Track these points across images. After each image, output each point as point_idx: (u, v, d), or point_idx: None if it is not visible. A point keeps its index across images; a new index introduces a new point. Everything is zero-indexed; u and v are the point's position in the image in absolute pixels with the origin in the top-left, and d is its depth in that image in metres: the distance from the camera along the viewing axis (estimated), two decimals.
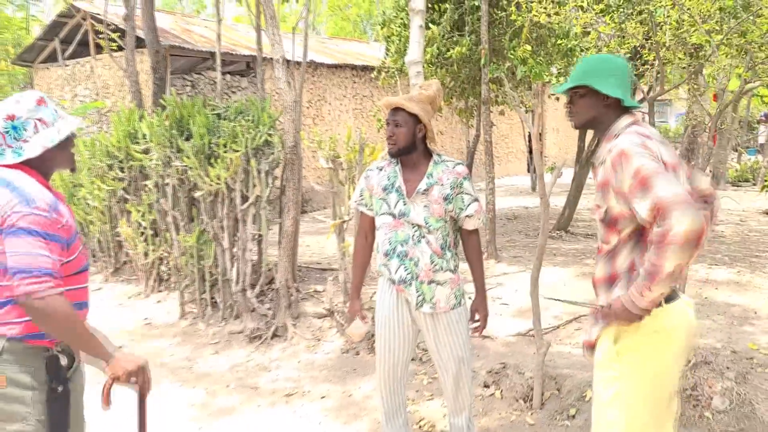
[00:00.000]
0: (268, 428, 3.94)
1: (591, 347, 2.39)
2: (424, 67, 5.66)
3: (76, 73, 14.55)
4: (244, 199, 5.76)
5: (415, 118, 2.91)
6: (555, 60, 9.14)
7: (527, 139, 20.11)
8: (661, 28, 5.71)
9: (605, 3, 6.54)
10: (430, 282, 2.95)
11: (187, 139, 5.87)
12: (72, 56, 14.67)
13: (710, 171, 14.50)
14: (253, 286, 5.84)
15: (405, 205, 2.94)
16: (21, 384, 2.03)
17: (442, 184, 2.91)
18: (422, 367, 4.58)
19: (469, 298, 3.10)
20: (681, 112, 23.24)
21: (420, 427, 3.77)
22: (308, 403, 4.26)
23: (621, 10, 6.15)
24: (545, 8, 6.43)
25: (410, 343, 3.13)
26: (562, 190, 11.45)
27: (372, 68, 13.67)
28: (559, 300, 2.72)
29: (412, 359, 4.52)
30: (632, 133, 2.21)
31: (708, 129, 5.03)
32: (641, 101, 7.96)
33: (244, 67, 14.28)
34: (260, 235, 5.98)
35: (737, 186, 15.58)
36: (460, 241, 3.11)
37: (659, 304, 2.13)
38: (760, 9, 4.95)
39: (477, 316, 3.11)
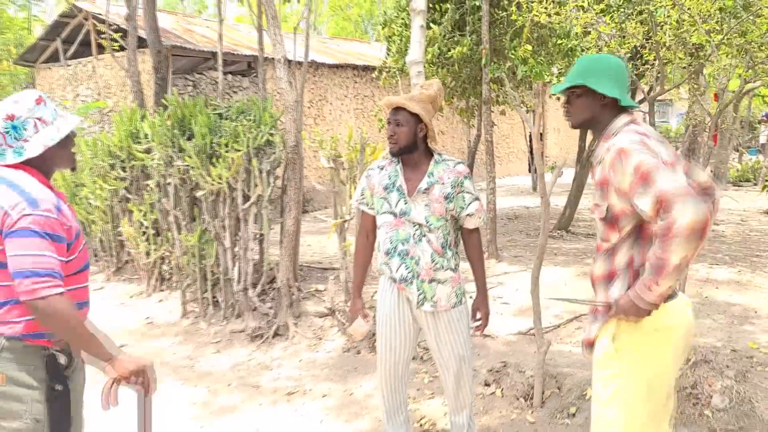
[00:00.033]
0: (269, 426, 3.95)
1: (590, 345, 2.40)
2: (425, 66, 5.67)
3: (78, 73, 14.58)
4: (246, 198, 5.78)
5: (417, 118, 2.93)
6: (556, 60, 9.15)
7: (528, 139, 20.11)
8: (661, 28, 5.72)
9: (606, 3, 6.56)
10: (431, 280, 2.96)
11: (189, 139, 5.89)
12: (74, 56, 14.69)
13: (711, 171, 14.51)
14: (254, 286, 5.86)
15: (406, 204, 2.95)
16: (20, 382, 2.04)
17: (442, 183, 2.93)
18: (423, 366, 4.60)
19: (470, 297, 3.11)
20: (682, 112, 23.23)
21: (421, 425, 3.79)
22: (309, 401, 4.28)
23: (621, 10, 6.17)
24: (546, 8, 6.44)
25: (411, 342, 3.14)
26: (563, 190, 11.46)
27: (373, 68, 13.69)
28: (564, 299, 2.73)
29: (413, 358, 4.53)
30: (630, 132, 2.22)
31: (708, 129, 5.04)
32: (642, 101, 7.98)
33: (245, 67, 14.30)
34: (262, 235, 6.00)
35: (738, 186, 15.59)
36: (461, 240, 3.13)
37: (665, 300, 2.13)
38: (760, 9, 4.95)
39: (478, 315, 3.12)
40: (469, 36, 9.08)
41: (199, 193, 5.85)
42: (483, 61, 7.92)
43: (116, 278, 7.55)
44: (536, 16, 6.53)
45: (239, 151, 5.58)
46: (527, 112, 12.10)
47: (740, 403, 3.47)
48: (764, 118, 18.21)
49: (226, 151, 5.59)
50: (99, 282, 7.55)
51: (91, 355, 2.17)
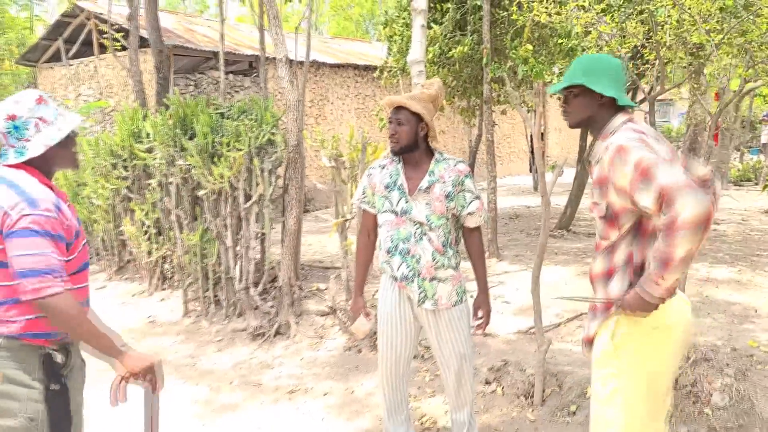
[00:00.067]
0: (271, 425, 3.97)
1: (589, 342, 2.41)
2: (426, 66, 5.68)
3: (80, 73, 14.61)
4: (248, 197, 5.79)
5: (418, 117, 2.94)
6: (557, 59, 9.16)
7: (529, 138, 20.13)
8: (662, 28, 5.74)
9: (606, 3, 6.56)
10: (432, 279, 2.98)
11: (191, 138, 5.91)
12: (76, 56, 14.72)
13: (712, 170, 14.49)
14: (256, 285, 5.87)
15: (407, 202, 2.97)
16: (16, 381, 2.05)
17: (443, 182, 2.95)
18: (424, 365, 4.61)
19: (471, 296, 3.13)
20: (683, 112, 23.23)
21: (422, 423, 3.80)
22: (311, 399, 4.29)
23: (622, 9, 6.18)
24: (546, 8, 6.45)
25: (412, 340, 3.16)
26: (564, 190, 11.47)
27: (374, 68, 13.70)
28: (569, 298, 2.74)
29: (414, 357, 4.55)
30: (628, 130, 2.23)
31: (708, 128, 5.05)
32: (642, 101, 7.99)
33: (246, 66, 14.34)
34: (263, 234, 6.02)
35: (739, 185, 15.59)
36: (462, 239, 3.15)
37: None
38: (760, 8, 4.97)
39: (480, 313, 3.13)
40: (470, 35, 9.09)
41: (200, 193, 5.87)
42: (484, 60, 7.93)
43: (118, 277, 7.58)
44: (537, 15, 6.54)
45: (241, 150, 5.59)
46: (528, 111, 12.11)
47: (740, 401, 3.48)
48: (765, 118, 18.20)
49: (228, 151, 5.61)
50: (101, 281, 7.58)
51: (99, 351, 2.18)
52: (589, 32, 6.50)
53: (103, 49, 13.30)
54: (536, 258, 3.86)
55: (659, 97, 7.37)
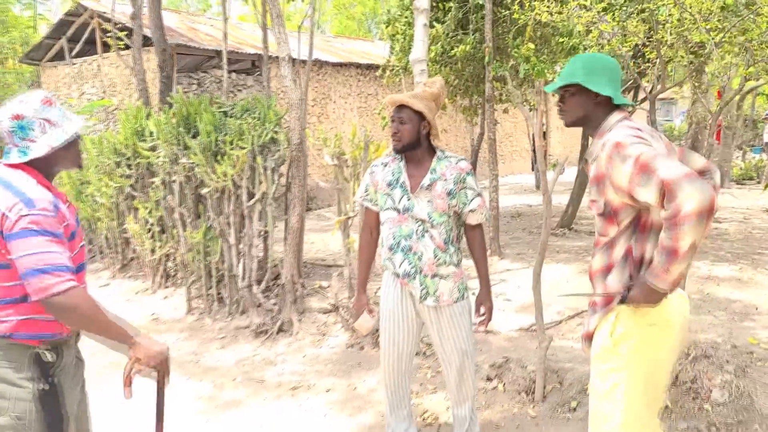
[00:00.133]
0: (274, 421, 4.00)
1: (589, 338, 2.43)
2: (428, 65, 5.71)
3: (83, 72, 14.65)
4: (251, 195, 5.83)
5: (420, 115, 2.97)
6: (558, 58, 9.18)
7: (531, 137, 20.12)
8: (663, 27, 5.75)
9: (607, 1, 6.58)
10: (434, 276, 3.01)
11: (194, 137, 5.93)
12: (79, 55, 14.76)
13: (717, 168, 14.49)
14: (259, 282, 5.91)
15: (409, 200, 3.00)
16: (4, 379, 2.05)
17: (445, 180, 2.97)
18: (426, 361, 4.64)
19: (473, 293, 3.16)
20: (684, 110, 23.22)
21: (424, 419, 3.83)
22: (313, 396, 4.32)
23: (623, 8, 6.20)
24: (548, 7, 6.47)
25: (414, 336, 3.18)
26: (566, 188, 11.49)
27: (377, 66, 13.73)
28: (572, 295, 2.76)
29: (416, 353, 4.58)
30: (624, 127, 2.25)
31: (709, 126, 5.07)
32: (643, 100, 8.00)
33: (249, 65, 14.36)
34: (266, 232, 6.05)
35: (741, 184, 15.59)
36: (464, 237, 3.17)
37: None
38: (760, 7, 4.98)
39: (482, 310, 3.15)
40: (472, 34, 9.11)
41: (204, 191, 5.91)
42: (486, 59, 7.95)
43: (122, 275, 7.62)
44: (538, 15, 6.56)
45: (244, 148, 5.62)
46: (530, 110, 12.13)
47: (739, 398, 3.50)
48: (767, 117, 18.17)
49: (231, 149, 5.64)
50: (105, 279, 7.63)
51: (116, 341, 2.17)
52: (591, 31, 6.52)
53: (106, 47, 13.34)
54: (538, 256, 3.89)
55: (661, 96, 7.39)
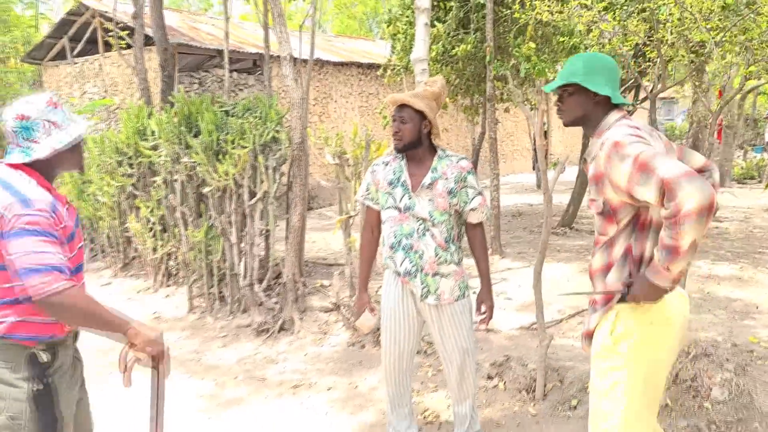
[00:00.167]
0: (275, 419, 4.01)
1: (589, 336, 2.44)
2: (429, 64, 5.72)
3: (85, 71, 14.67)
4: (252, 194, 5.84)
5: (421, 115, 2.98)
6: (559, 57, 9.18)
7: (532, 136, 20.13)
8: (663, 26, 5.76)
9: (608, 1, 6.59)
10: (435, 274, 3.02)
11: (196, 136, 5.95)
12: (81, 54, 14.78)
13: (717, 167, 14.50)
14: (260, 281, 5.92)
15: (410, 199, 3.01)
16: (1, 379, 2.05)
17: (446, 178, 2.98)
18: (427, 360, 4.65)
19: (474, 292, 3.17)
20: (685, 110, 23.20)
21: (424, 417, 3.84)
22: (315, 394, 4.33)
23: (624, 7, 6.20)
24: (548, 6, 6.48)
25: (415, 335, 3.20)
26: (567, 188, 11.50)
27: (378, 66, 13.73)
28: (573, 293, 2.78)
29: (417, 352, 4.59)
30: (622, 126, 2.25)
31: (709, 125, 5.08)
32: (644, 99, 8.01)
33: (250, 64, 14.38)
34: (267, 231, 6.06)
35: (742, 183, 15.60)
36: (465, 236, 3.18)
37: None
38: (760, 7, 4.99)
39: (483, 308, 3.17)
40: (474, 34, 9.12)
41: (205, 190, 5.92)
42: (487, 58, 7.96)
43: (123, 274, 7.63)
44: (539, 14, 6.57)
45: (245, 147, 5.64)
46: (531, 109, 12.13)
47: (739, 396, 3.51)
48: None
49: (233, 148, 5.65)
50: (106, 277, 7.64)
51: (115, 332, 2.17)
52: (591, 30, 6.53)
53: (108, 47, 13.36)
54: (538, 254, 3.90)
55: (662, 95, 7.39)
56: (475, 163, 11.97)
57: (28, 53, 15.77)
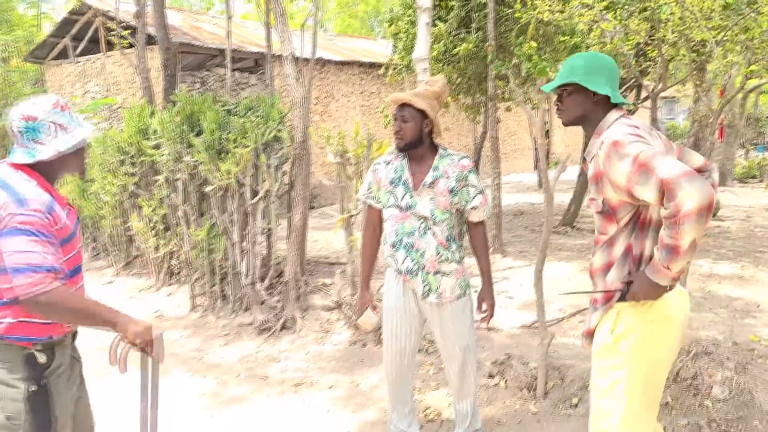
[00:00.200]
0: (277, 417, 4.02)
1: (590, 335, 2.45)
2: (430, 63, 5.72)
3: (87, 70, 14.69)
4: (254, 193, 5.86)
5: (422, 114, 2.99)
6: (561, 57, 9.19)
7: (534, 136, 20.11)
8: (665, 25, 5.77)
9: (610, 0, 6.59)
10: (436, 272, 3.03)
11: (198, 135, 5.97)
12: (83, 53, 14.79)
13: (717, 168, 14.51)
14: (262, 279, 5.94)
15: (411, 197, 3.02)
16: None
17: (447, 177, 2.99)
18: (428, 358, 4.66)
19: (475, 291, 3.18)
20: (685, 109, 23.17)
21: (426, 415, 3.85)
22: (316, 392, 4.35)
23: (625, 7, 6.21)
24: (549, 5, 6.48)
25: (417, 333, 3.21)
26: (569, 187, 11.50)
27: (379, 65, 13.74)
28: (575, 293, 2.79)
29: (419, 350, 4.60)
30: (621, 125, 2.26)
31: (710, 124, 5.08)
32: (645, 98, 8.01)
33: (252, 64, 14.39)
34: (269, 229, 6.08)
35: (744, 182, 15.60)
36: (467, 234, 3.19)
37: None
38: (761, 6, 5.00)
39: (484, 306, 3.17)
40: (475, 33, 9.12)
41: (207, 189, 5.94)
42: (488, 57, 7.97)
43: (126, 272, 7.65)
44: (540, 13, 6.58)
45: (247, 146, 5.65)
46: (532, 108, 12.14)
47: (740, 394, 3.52)
48: None
49: (235, 147, 5.67)
50: (108, 276, 7.66)
51: (106, 325, 2.17)
52: (593, 29, 6.53)
53: (110, 46, 13.37)
54: (539, 253, 3.91)
55: (664, 95, 7.40)
56: (476, 162, 11.99)
57: (30, 52, 15.78)
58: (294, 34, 6.35)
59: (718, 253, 7.66)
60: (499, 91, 10.46)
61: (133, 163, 7.05)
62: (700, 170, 2.37)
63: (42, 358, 2.11)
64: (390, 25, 10.52)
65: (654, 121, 7.62)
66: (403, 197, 3.03)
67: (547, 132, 20.50)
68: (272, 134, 5.77)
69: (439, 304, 3.07)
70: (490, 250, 6.82)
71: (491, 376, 4.25)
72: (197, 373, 4.78)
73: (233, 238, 5.92)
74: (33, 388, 2.08)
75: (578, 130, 20.58)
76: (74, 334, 2.33)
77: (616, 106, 2.38)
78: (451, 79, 9.93)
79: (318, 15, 7.01)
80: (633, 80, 8.59)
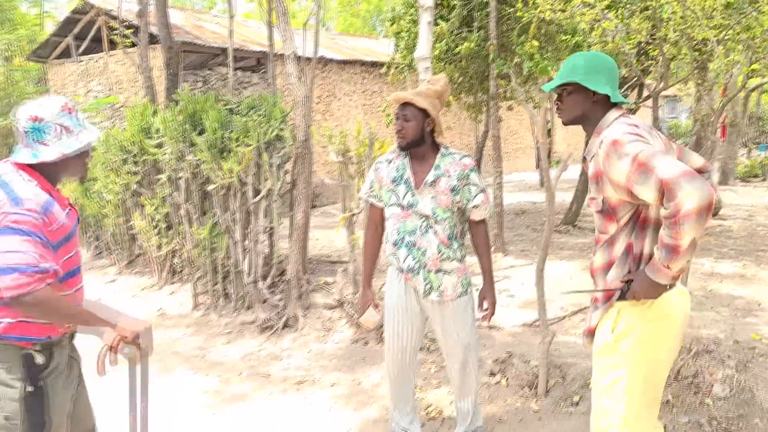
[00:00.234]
0: (279, 414, 4.04)
1: (591, 334, 2.45)
2: (432, 62, 5.73)
3: (90, 69, 14.71)
4: (256, 192, 5.87)
5: (424, 113, 3.00)
6: (562, 56, 9.19)
7: (536, 135, 20.09)
8: (666, 24, 5.77)
9: None
10: (438, 271, 3.04)
11: (200, 134, 5.98)
12: (85, 52, 14.82)
13: (719, 167, 14.50)
14: (264, 278, 5.95)
15: (413, 196, 3.03)
16: None
17: (449, 176, 3.00)
18: (430, 356, 4.68)
19: (477, 289, 3.19)
20: (687, 108, 23.15)
21: (427, 413, 3.87)
22: (318, 390, 4.36)
23: (627, 6, 6.21)
24: (551, 4, 6.49)
25: (418, 331, 3.22)
26: (571, 186, 11.50)
27: (381, 64, 13.75)
28: (576, 291, 2.79)
29: (420, 348, 4.61)
30: (621, 124, 2.26)
31: (712, 123, 5.09)
32: (647, 97, 8.01)
33: (254, 63, 14.41)
34: (272, 228, 6.09)
35: (746, 181, 15.59)
36: (468, 233, 3.20)
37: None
38: (762, 5, 5.00)
39: (485, 304, 3.19)
40: (477, 32, 9.12)
41: (210, 187, 5.95)
42: (490, 56, 7.98)
43: (128, 271, 7.67)
44: (542, 12, 6.58)
45: (250, 145, 5.67)
46: (534, 107, 12.14)
47: (740, 392, 3.53)
48: None
49: (237, 146, 5.68)
50: (111, 274, 7.68)
51: (96, 326, 2.19)
52: (594, 28, 6.53)
53: (112, 45, 13.39)
54: (540, 251, 3.92)
55: (666, 93, 7.40)
56: (478, 161, 11.99)
57: (33, 51, 15.82)
58: (296, 33, 6.36)
59: (720, 251, 7.66)
60: (500, 90, 10.46)
61: (135, 162, 7.07)
62: (699, 171, 2.38)
63: (40, 359, 2.12)
64: (392, 24, 10.53)
65: (656, 120, 7.62)
66: (404, 196, 3.05)
67: (549, 131, 20.47)
68: (274, 133, 5.78)
69: (441, 302, 3.08)
70: (492, 249, 6.82)
71: (492, 374, 4.26)
72: (200, 371, 4.79)
73: (235, 237, 5.93)
74: (29, 389, 2.09)
75: (580, 130, 20.44)
76: (72, 334, 2.33)
77: (615, 105, 2.38)
78: (452, 78, 9.93)
79: (320, 14, 7.01)
80: (635, 79, 8.59)
